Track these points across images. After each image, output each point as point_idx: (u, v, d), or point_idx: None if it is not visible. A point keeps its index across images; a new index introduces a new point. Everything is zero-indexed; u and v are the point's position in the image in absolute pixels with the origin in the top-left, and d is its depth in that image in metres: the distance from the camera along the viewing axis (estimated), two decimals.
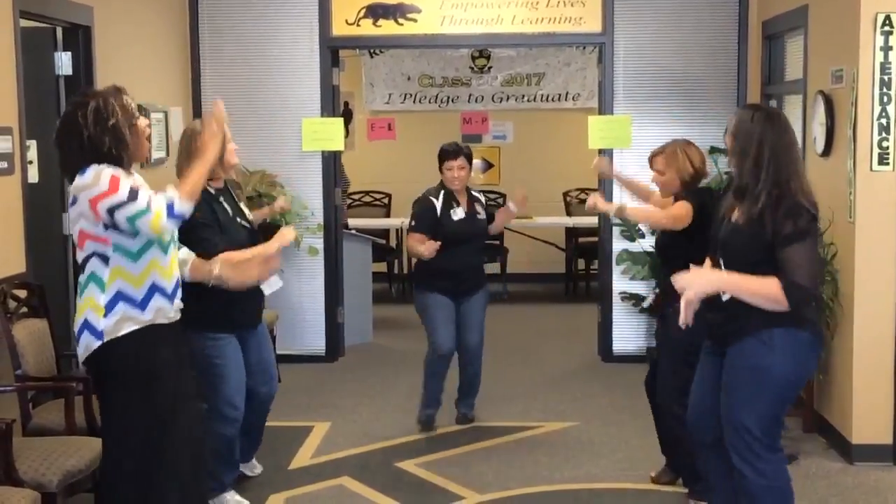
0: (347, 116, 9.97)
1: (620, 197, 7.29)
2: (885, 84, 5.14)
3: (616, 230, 7.39)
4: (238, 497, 4.72)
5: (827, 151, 5.58)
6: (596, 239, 8.16)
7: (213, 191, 4.61)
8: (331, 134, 7.33)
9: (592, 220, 8.57)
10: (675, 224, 4.53)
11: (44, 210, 5.42)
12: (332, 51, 7.50)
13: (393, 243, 10.45)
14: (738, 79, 7.28)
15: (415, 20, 7.41)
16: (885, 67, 5.13)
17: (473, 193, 5.93)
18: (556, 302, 10.24)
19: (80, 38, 5.70)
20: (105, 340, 3.47)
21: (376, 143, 8.77)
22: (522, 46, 9.99)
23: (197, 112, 7.28)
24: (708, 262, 3.91)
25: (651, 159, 4.85)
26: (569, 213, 10.81)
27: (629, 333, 7.49)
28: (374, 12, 7.40)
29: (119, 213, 3.36)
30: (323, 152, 7.45)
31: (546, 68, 10.82)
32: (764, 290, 3.55)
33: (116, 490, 3.61)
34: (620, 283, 7.43)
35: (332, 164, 7.55)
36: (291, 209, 7.27)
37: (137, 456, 3.56)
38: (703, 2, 7.29)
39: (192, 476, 3.74)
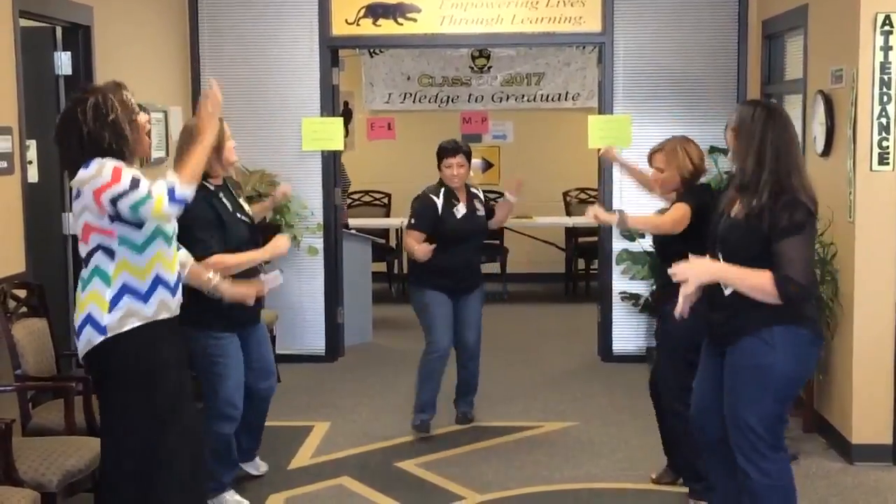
0: (347, 116, 9.97)
1: (620, 199, 7.33)
2: (885, 84, 5.14)
3: (616, 230, 7.38)
4: (238, 497, 4.73)
5: (827, 151, 5.58)
6: (596, 239, 8.17)
7: (212, 187, 4.61)
8: (330, 134, 7.33)
9: (592, 220, 8.55)
10: (674, 228, 4.53)
11: (43, 210, 5.41)
12: (332, 50, 7.50)
13: (393, 243, 10.45)
14: (737, 78, 7.27)
15: (414, 20, 7.41)
16: (884, 67, 5.13)
17: (472, 190, 5.91)
18: (555, 302, 10.24)
19: (79, 38, 5.70)
20: (108, 336, 3.47)
21: (376, 143, 8.77)
22: (522, 46, 10.00)
23: (196, 112, 7.27)
24: (707, 257, 3.91)
25: (650, 157, 4.86)
26: (569, 213, 10.81)
27: (629, 333, 7.49)
28: (374, 12, 7.40)
29: (122, 203, 3.36)
30: (323, 152, 7.45)
31: (546, 68, 10.82)
32: (757, 283, 3.56)
33: (117, 490, 3.61)
34: (620, 282, 7.43)
35: (331, 163, 7.55)
36: (291, 210, 7.31)
37: (137, 456, 3.56)
38: (702, 1, 7.29)
39: (191, 476, 3.74)
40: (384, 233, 10.38)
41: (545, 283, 10.85)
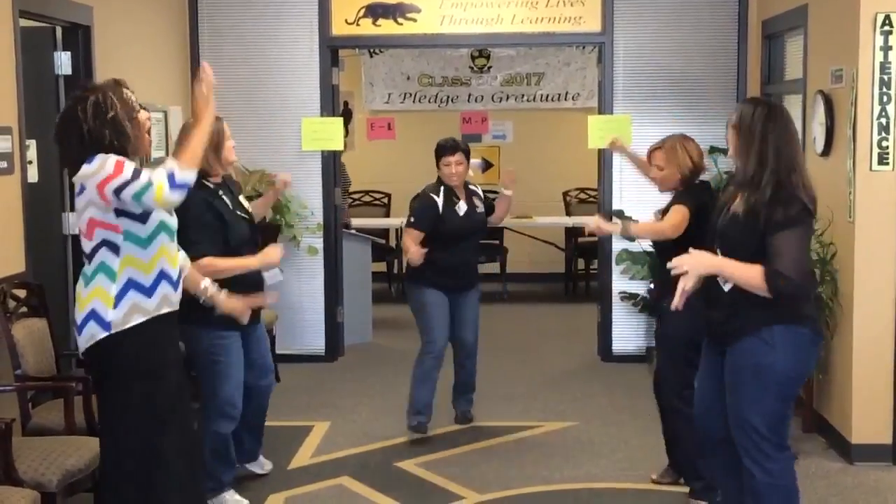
0: (347, 116, 9.97)
1: (620, 199, 7.33)
2: (885, 84, 5.14)
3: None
4: (237, 496, 4.73)
5: (827, 151, 5.58)
6: (595, 239, 8.15)
7: (211, 185, 4.61)
8: (330, 133, 7.33)
9: (592, 220, 8.55)
10: (675, 233, 4.53)
11: (43, 210, 5.41)
12: (332, 50, 7.50)
13: (393, 243, 10.45)
14: (737, 78, 7.28)
15: (414, 20, 7.41)
16: (884, 67, 5.13)
17: (471, 187, 5.87)
18: (555, 302, 10.24)
19: (79, 38, 5.70)
20: (112, 332, 3.47)
21: (376, 143, 8.78)
22: (522, 46, 10.00)
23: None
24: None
25: (650, 154, 4.87)
26: (568, 213, 10.82)
27: (629, 333, 7.49)
28: (374, 12, 7.40)
29: (125, 193, 3.37)
30: (322, 152, 7.45)
31: (546, 68, 10.82)
32: (748, 276, 3.58)
33: (117, 490, 3.61)
34: (620, 282, 7.43)
35: (331, 163, 7.55)
36: (291, 210, 7.31)
37: (138, 456, 3.56)
38: (702, 1, 7.29)
39: (190, 476, 3.75)
40: (384, 233, 10.38)
41: (545, 283, 10.85)
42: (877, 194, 5.20)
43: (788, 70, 6.71)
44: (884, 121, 5.15)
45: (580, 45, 10.07)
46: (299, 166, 7.39)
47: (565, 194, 10.92)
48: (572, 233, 10.39)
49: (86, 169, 3.42)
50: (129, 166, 3.41)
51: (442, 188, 5.71)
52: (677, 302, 3.68)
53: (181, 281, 3.70)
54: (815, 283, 3.95)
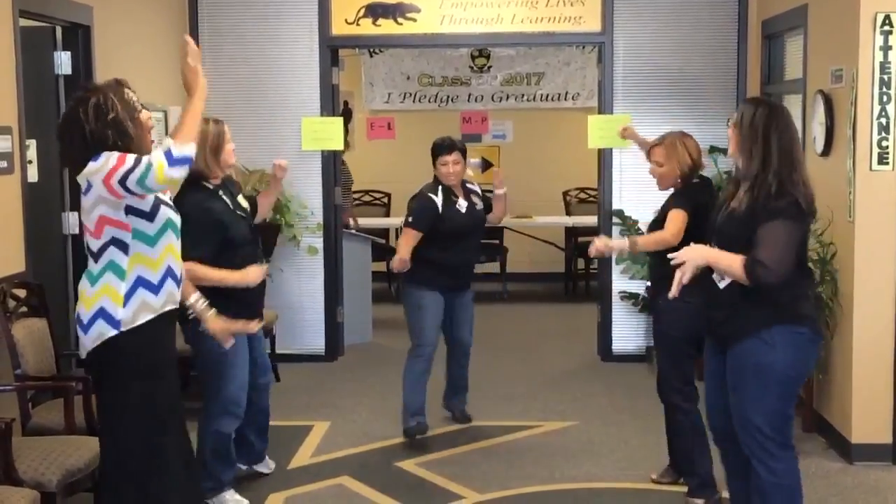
0: (347, 116, 9.97)
1: (620, 198, 7.33)
2: (885, 83, 5.14)
3: (616, 229, 7.38)
4: (237, 496, 4.73)
5: (826, 151, 5.58)
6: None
7: (211, 186, 4.61)
8: (330, 133, 7.33)
9: (592, 220, 8.57)
10: (678, 239, 4.53)
11: (43, 209, 5.41)
12: (332, 50, 7.50)
13: (393, 243, 10.43)
14: (737, 78, 7.28)
15: (414, 20, 7.41)
16: (884, 67, 5.13)
17: (468, 186, 5.84)
18: (555, 301, 10.24)
19: (79, 38, 5.70)
20: (122, 330, 3.48)
21: (376, 143, 8.78)
22: (522, 46, 10.00)
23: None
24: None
25: (649, 151, 4.89)
26: (568, 213, 10.83)
27: (629, 333, 7.49)
28: (374, 12, 7.40)
29: (129, 180, 3.37)
30: (322, 152, 7.45)
31: (546, 68, 10.82)
32: (729, 263, 3.62)
33: (117, 491, 3.62)
34: (620, 282, 7.43)
35: (331, 163, 7.55)
36: (291, 210, 7.31)
37: (137, 455, 3.56)
38: (702, 1, 7.29)
39: (187, 476, 3.76)
40: (384, 233, 10.38)
41: (545, 283, 10.86)
42: (877, 194, 5.20)
43: (788, 70, 6.71)
44: (884, 121, 5.15)
45: (580, 45, 10.07)
46: (299, 166, 7.37)
47: (565, 194, 10.92)
48: (572, 232, 10.39)
49: (91, 166, 3.44)
50: (132, 157, 3.43)
51: (440, 188, 5.66)
52: (674, 291, 3.70)
53: (182, 278, 3.71)
54: (809, 281, 3.96)
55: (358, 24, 7.42)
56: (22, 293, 4.69)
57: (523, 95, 10.89)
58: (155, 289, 3.53)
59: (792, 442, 3.81)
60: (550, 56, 10.74)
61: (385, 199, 11.07)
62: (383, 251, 10.03)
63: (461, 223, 5.65)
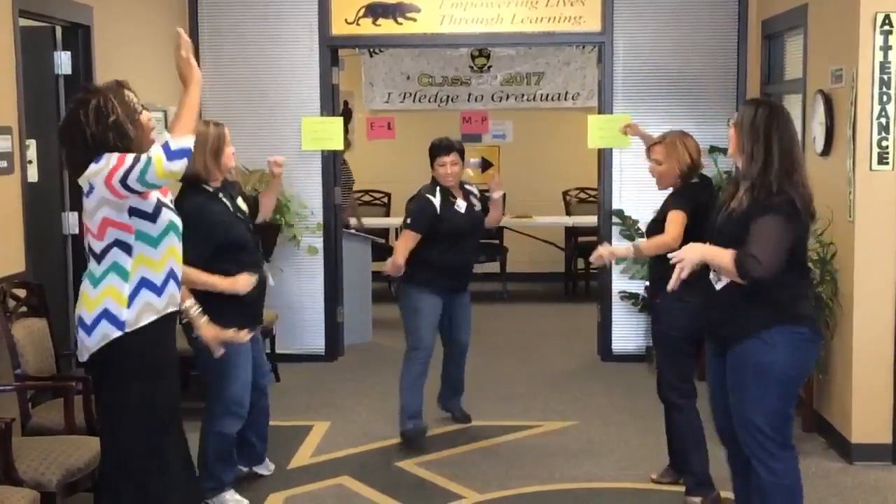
0: (347, 116, 9.97)
1: (620, 198, 7.33)
2: (885, 83, 5.14)
3: (616, 229, 7.39)
4: (238, 496, 4.73)
5: (826, 151, 5.58)
6: (595, 238, 8.16)
7: (211, 189, 4.62)
8: (330, 133, 7.33)
9: (592, 220, 8.57)
10: (679, 240, 4.53)
11: (43, 209, 5.42)
12: (332, 50, 7.50)
13: (393, 243, 10.43)
14: (737, 78, 7.28)
15: (414, 19, 7.41)
16: (884, 67, 5.13)
17: (466, 187, 5.81)
18: (555, 301, 10.24)
19: (79, 38, 5.70)
20: (126, 331, 3.48)
21: (376, 143, 8.78)
22: (522, 46, 10.00)
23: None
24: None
25: (649, 149, 4.91)
26: (568, 213, 10.82)
27: (629, 333, 7.49)
28: (374, 11, 7.40)
29: (130, 178, 3.37)
30: (322, 152, 7.45)
31: (546, 67, 10.82)
32: (721, 258, 3.63)
33: (117, 491, 3.62)
34: (620, 282, 7.43)
35: (331, 163, 7.55)
36: (291, 210, 7.30)
37: (138, 456, 3.57)
38: (702, 1, 7.29)
39: (185, 476, 3.76)
40: (384, 232, 10.38)
41: (545, 283, 10.86)
42: (877, 194, 5.20)
43: (788, 70, 6.71)
44: (884, 120, 5.15)
45: (580, 45, 10.07)
46: (299, 166, 7.39)
47: (565, 194, 10.92)
48: (572, 232, 10.39)
49: (93, 168, 3.44)
50: (131, 156, 3.43)
51: (438, 188, 5.63)
52: (672, 284, 3.72)
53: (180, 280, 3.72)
54: (809, 281, 3.98)
55: (358, 24, 7.42)
56: (22, 293, 4.70)
57: (523, 95, 10.89)
58: (158, 290, 3.54)
59: (792, 442, 3.82)
60: (550, 56, 10.74)
61: (385, 199, 11.07)
62: (383, 251, 10.03)
63: (460, 224, 5.62)
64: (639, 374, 6.95)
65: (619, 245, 7.29)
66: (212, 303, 4.36)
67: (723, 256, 3.63)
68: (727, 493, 4.67)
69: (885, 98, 5.14)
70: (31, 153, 5.28)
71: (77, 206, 5.43)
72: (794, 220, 3.65)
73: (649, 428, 5.58)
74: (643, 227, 7.01)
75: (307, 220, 7.47)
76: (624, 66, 7.33)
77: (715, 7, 7.29)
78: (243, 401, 4.68)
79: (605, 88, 7.37)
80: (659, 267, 4.55)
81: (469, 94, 10.89)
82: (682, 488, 4.83)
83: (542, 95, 10.88)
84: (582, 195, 10.82)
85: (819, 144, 5.65)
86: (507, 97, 10.89)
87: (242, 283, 4.49)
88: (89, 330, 3.50)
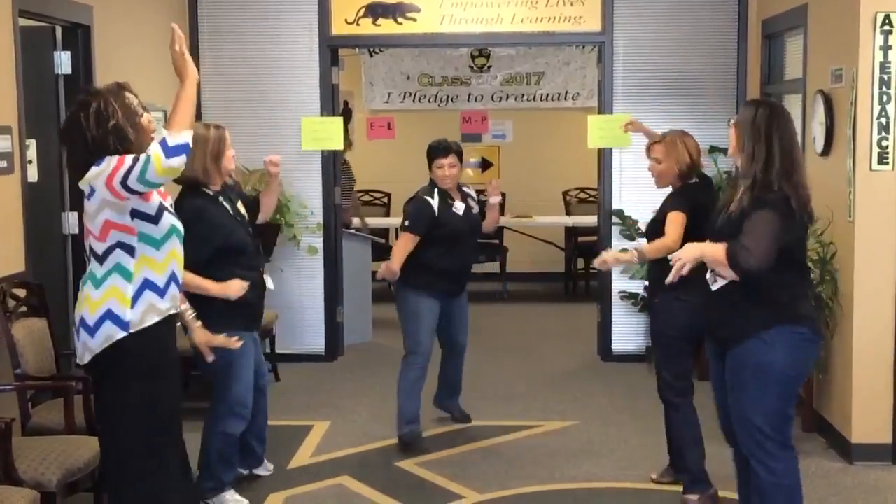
0: (347, 115, 9.97)
1: (620, 198, 7.33)
2: (885, 83, 5.13)
3: (615, 229, 7.39)
4: (238, 496, 4.73)
5: (826, 151, 5.58)
6: (595, 238, 8.17)
7: (211, 192, 4.62)
8: (330, 133, 7.33)
9: (592, 220, 8.57)
10: (679, 241, 4.53)
11: (43, 209, 5.41)
12: (332, 50, 7.50)
13: (392, 243, 10.43)
14: (737, 78, 7.28)
15: (414, 19, 7.41)
16: (884, 67, 5.13)
17: (464, 189, 5.79)
18: (555, 301, 10.24)
19: (79, 38, 5.70)
20: (131, 332, 3.49)
21: (376, 143, 8.78)
22: (522, 45, 10.00)
23: (196, 112, 7.26)
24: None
25: (649, 148, 4.91)
26: (568, 213, 10.82)
27: (629, 333, 7.49)
28: (374, 11, 7.40)
29: (131, 179, 3.37)
30: (322, 152, 7.45)
31: (546, 67, 10.82)
32: (715, 252, 3.64)
33: (117, 490, 3.62)
34: (620, 282, 7.43)
35: (331, 163, 7.55)
36: (291, 209, 7.30)
37: (138, 456, 3.57)
38: (702, 1, 7.29)
39: (182, 476, 3.77)
40: (384, 232, 10.38)
41: (545, 283, 10.85)
42: (877, 194, 5.20)
43: (788, 70, 6.71)
44: (884, 120, 5.15)
45: (580, 45, 10.07)
46: (299, 166, 7.40)
47: (565, 194, 10.92)
48: (572, 232, 10.39)
49: (94, 170, 3.45)
50: (130, 156, 3.43)
51: (436, 190, 5.60)
52: (671, 277, 3.73)
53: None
54: (808, 281, 3.98)
55: (358, 24, 7.42)
56: (22, 293, 4.69)
57: (523, 95, 10.89)
58: (161, 292, 3.55)
59: (792, 442, 3.83)
60: (550, 56, 10.74)
61: (385, 199, 11.07)
62: (383, 251, 10.04)
63: (458, 226, 5.59)
64: (639, 374, 6.95)
65: (620, 245, 7.32)
66: (213, 304, 4.37)
67: (717, 250, 3.65)
68: (727, 493, 4.68)
69: (885, 98, 5.14)
70: (31, 153, 5.28)
71: (77, 205, 5.43)
72: (789, 219, 3.65)
73: (649, 428, 5.58)
74: (643, 227, 7.02)
75: (307, 220, 7.47)
76: (624, 66, 7.33)
77: (715, 7, 7.29)
78: (247, 401, 4.69)
79: (605, 88, 7.37)
80: (658, 266, 4.56)
81: (469, 94, 10.89)
82: (681, 488, 4.83)
83: (542, 95, 10.88)
84: (582, 195, 10.82)
85: (819, 144, 5.65)
86: (507, 97, 10.89)
87: (234, 288, 4.49)
88: (92, 331, 3.50)
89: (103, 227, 3.48)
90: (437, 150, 5.62)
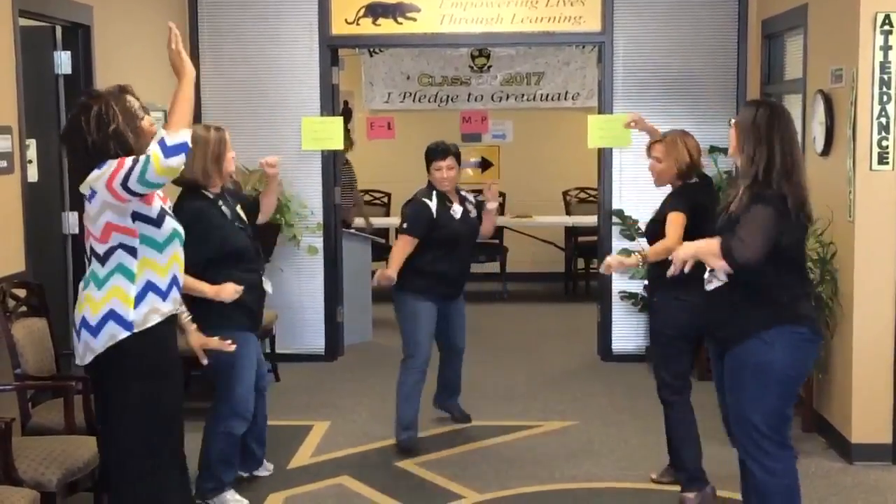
0: (347, 115, 9.97)
1: (620, 198, 7.33)
2: (885, 83, 5.13)
3: (615, 229, 7.39)
4: (238, 496, 4.73)
5: (826, 151, 5.58)
6: (595, 238, 8.17)
7: (211, 196, 4.62)
8: (330, 133, 7.32)
9: (592, 220, 8.57)
10: (680, 241, 4.53)
11: (43, 209, 5.41)
12: (332, 50, 7.50)
13: (392, 242, 10.41)
14: (737, 78, 7.28)
15: (414, 19, 7.41)
16: (884, 67, 5.13)
17: (462, 193, 5.77)
18: (555, 301, 10.24)
19: (79, 38, 5.70)
20: (134, 331, 3.49)
21: (376, 142, 8.78)
22: (522, 45, 10.00)
23: (196, 112, 7.27)
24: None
25: (650, 147, 4.92)
26: (568, 213, 10.83)
27: (629, 333, 7.49)
28: (374, 11, 7.40)
29: (131, 180, 3.38)
30: (322, 152, 7.45)
31: (545, 67, 10.82)
32: (710, 247, 3.65)
33: (118, 490, 3.62)
34: (620, 282, 7.43)
35: (331, 163, 7.55)
36: (291, 209, 7.30)
37: (138, 455, 3.57)
38: (702, 1, 7.29)
39: (182, 476, 3.78)
40: (384, 232, 10.37)
41: (545, 283, 10.85)
42: (877, 194, 5.20)
43: (788, 70, 6.71)
44: (884, 120, 5.15)
45: (580, 45, 10.07)
46: (299, 166, 7.40)
47: (565, 194, 10.92)
48: (572, 232, 10.39)
49: (95, 173, 3.46)
50: (130, 158, 3.44)
51: (434, 193, 5.57)
52: (673, 270, 3.75)
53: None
54: (808, 282, 3.99)
55: (358, 24, 7.42)
56: (22, 293, 4.69)
57: (523, 95, 10.89)
58: (163, 295, 3.56)
59: (790, 442, 3.83)
60: (550, 56, 10.74)
61: (385, 199, 11.07)
62: (383, 251, 10.03)
63: (454, 230, 5.56)
64: (639, 374, 6.95)
65: (620, 245, 7.33)
66: (211, 306, 4.37)
67: (711, 243, 3.66)
68: (728, 493, 4.68)
69: (885, 98, 5.14)
70: (31, 153, 5.28)
71: (77, 205, 5.43)
72: (785, 217, 3.65)
73: (649, 428, 5.58)
74: (643, 227, 7.02)
75: (307, 220, 7.47)
76: (624, 66, 7.33)
77: (715, 7, 7.29)
78: (249, 402, 4.69)
79: (605, 88, 7.37)
80: (657, 265, 4.57)
81: (469, 94, 10.89)
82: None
83: (542, 95, 10.88)
84: (582, 195, 10.82)
85: (819, 144, 5.65)
86: (507, 97, 10.89)
87: (228, 291, 4.48)
88: (95, 331, 3.50)
89: (104, 228, 3.48)
90: (434, 153, 5.59)
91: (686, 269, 3.72)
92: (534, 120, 10.93)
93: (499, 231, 10.15)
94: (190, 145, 3.44)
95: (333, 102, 7.51)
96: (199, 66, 7.40)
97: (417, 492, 5.01)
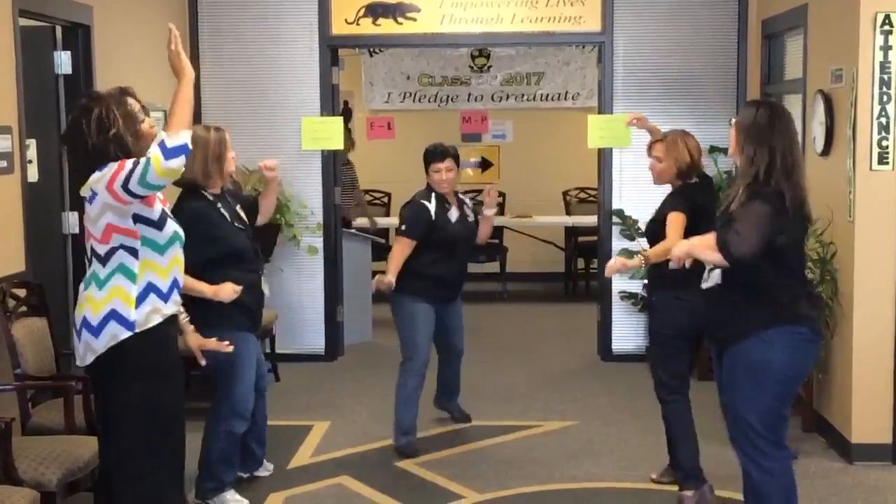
0: (347, 115, 9.97)
1: (620, 198, 7.33)
2: (885, 83, 5.14)
3: (615, 229, 7.39)
4: (238, 496, 4.73)
5: (826, 151, 5.58)
6: (595, 238, 8.17)
7: (210, 197, 4.62)
8: (330, 133, 7.31)
9: (592, 220, 8.57)
10: (681, 239, 4.53)
11: (43, 209, 5.41)
12: (332, 50, 7.50)
13: (392, 242, 10.41)
14: (737, 78, 7.28)
15: (414, 19, 7.41)
16: (884, 67, 5.13)
17: (460, 196, 5.75)
18: (555, 301, 10.24)
19: (79, 38, 5.70)
20: (136, 331, 3.49)
21: (376, 142, 8.78)
22: (522, 45, 10.00)
23: (196, 112, 7.27)
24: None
25: (650, 146, 4.92)
26: (568, 213, 10.83)
27: (629, 332, 7.49)
28: (374, 11, 7.40)
29: (132, 182, 3.38)
30: (322, 151, 7.45)
31: (545, 67, 10.82)
32: (706, 242, 3.67)
33: (118, 490, 3.62)
34: (620, 282, 7.43)
35: (331, 163, 7.55)
36: (291, 209, 7.30)
37: (138, 456, 3.57)
38: (702, 1, 7.29)
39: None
40: (384, 232, 10.37)
41: (545, 283, 10.86)
42: (877, 194, 5.20)
43: (788, 70, 6.71)
44: (884, 120, 5.15)
45: (580, 45, 10.07)
46: (299, 166, 7.40)
47: (565, 194, 10.92)
48: (572, 232, 10.39)
49: (95, 175, 3.47)
50: (131, 161, 3.45)
51: (433, 195, 5.55)
52: (674, 264, 3.79)
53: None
54: (806, 281, 4.00)
55: (358, 24, 7.42)
56: (22, 293, 4.69)
57: (523, 95, 10.89)
58: (164, 297, 3.57)
59: (786, 442, 3.83)
60: (550, 56, 10.74)
61: (385, 199, 11.07)
62: (383, 251, 10.03)
63: (452, 232, 5.54)
64: (639, 374, 6.94)
65: (620, 245, 7.33)
66: (210, 306, 4.37)
67: (706, 238, 3.67)
68: (728, 493, 4.68)
69: (885, 98, 5.14)
70: (31, 153, 5.28)
71: (77, 205, 5.43)
72: (781, 214, 3.65)
73: (649, 428, 5.58)
74: (643, 226, 7.02)
75: (307, 220, 7.47)
76: (624, 66, 7.33)
77: (715, 7, 7.29)
78: (248, 401, 4.70)
79: (605, 88, 7.37)
80: (657, 265, 4.58)
81: (469, 94, 10.89)
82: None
83: (542, 95, 10.88)
84: (582, 195, 10.82)
85: (819, 144, 5.65)
86: (507, 97, 10.89)
87: (226, 291, 4.49)
88: (96, 331, 3.50)
89: (105, 230, 3.49)
90: (433, 155, 5.57)
91: (687, 265, 3.73)
92: (534, 120, 10.94)
93: (499, 231, 10.15)
94: (190, 147, 3.44)
95: (333, 102, 7.51)
96: (199, 66, 7.41)
97: (417, 492, 5.01)
